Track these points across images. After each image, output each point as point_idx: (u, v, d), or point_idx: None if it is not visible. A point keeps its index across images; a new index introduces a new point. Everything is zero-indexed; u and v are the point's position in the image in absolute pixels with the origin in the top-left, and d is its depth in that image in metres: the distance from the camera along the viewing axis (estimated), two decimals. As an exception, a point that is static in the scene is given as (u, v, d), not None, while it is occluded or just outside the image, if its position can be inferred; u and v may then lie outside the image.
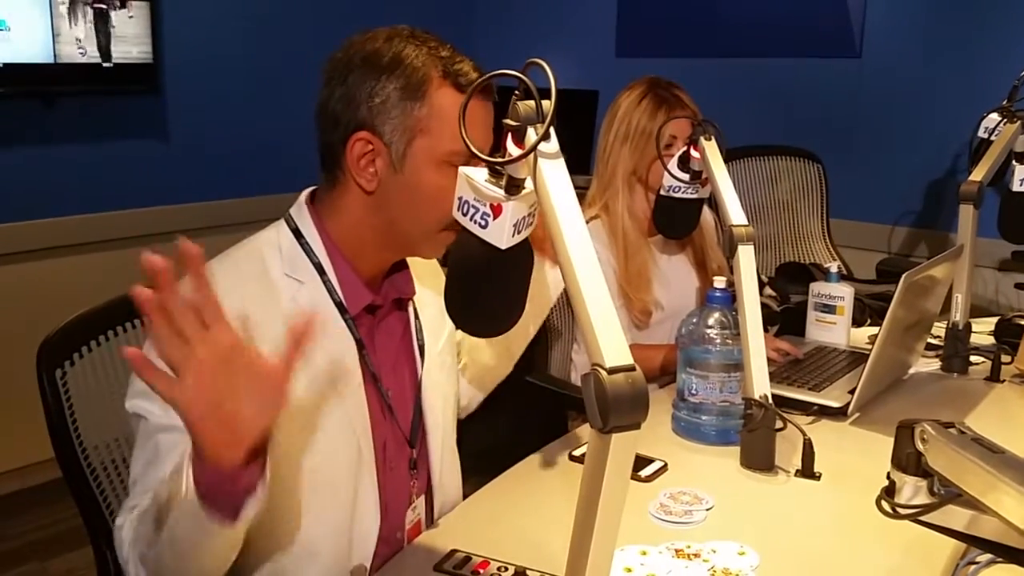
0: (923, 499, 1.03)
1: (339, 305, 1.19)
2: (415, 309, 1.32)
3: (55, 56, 2.99)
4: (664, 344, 2.01)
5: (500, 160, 0.89)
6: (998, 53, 3.11)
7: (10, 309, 3.03)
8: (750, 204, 2.99)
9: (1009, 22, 3.11)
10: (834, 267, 2.10)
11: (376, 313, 1.25)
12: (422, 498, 1.32)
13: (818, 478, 1.45)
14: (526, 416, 2.06)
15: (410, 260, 1.31)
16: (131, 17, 3.14)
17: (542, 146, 0.87)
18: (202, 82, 3.48)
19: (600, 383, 0.77)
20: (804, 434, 1.46)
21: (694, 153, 1.74)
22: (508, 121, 0.89)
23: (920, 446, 0.99)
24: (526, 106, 0.89)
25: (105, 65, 3.12)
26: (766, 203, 3.10)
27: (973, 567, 1.23)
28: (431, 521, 1.34)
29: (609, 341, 0.78)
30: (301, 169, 4.04)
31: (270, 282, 1.16)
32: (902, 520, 1.03)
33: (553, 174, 0.87)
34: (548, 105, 0.88)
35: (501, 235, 0.92)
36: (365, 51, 1.16)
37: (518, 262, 0.96)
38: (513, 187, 0.91)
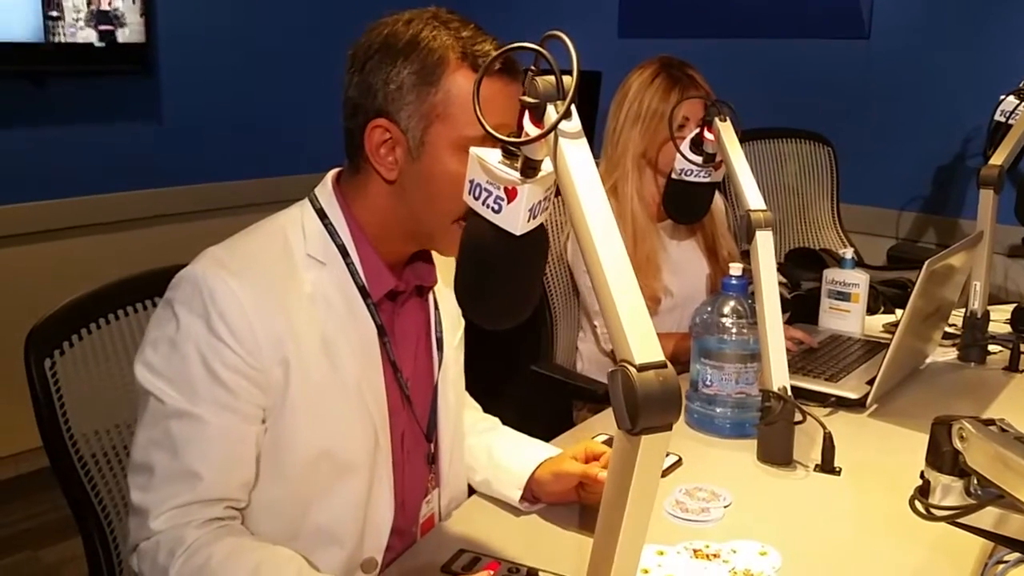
0: (958, 499, 0.98)
1: (361, 289, 1.14)
2: (435, 300, 1.27)
3: (46, 36, 2.92)
4: (674, 332, 1.96)
5: (517, 140, 0.83)
6: (1008, 35, 3.05)
7: (1, 294, 2.96)
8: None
9: (1020, 4, 3.05)
10: (849, 253, 2.04)
11: (397, 300, 1.20)
12: (436, 491, 1.27)
13: (838, 473, 1.40)
14: (531, 406, 2.02)
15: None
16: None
17: (563, 125, 0.81)
18: (197, 62, 3.40)
19: (629, 381, 0.71)
20: (825, 428, 1.40)
21: (708, 135, 1.68)
22: (526, 98, 0.83)
23: (958, 444, 0.94)
24: (545, 82, 0.83)
25: (98, 45, 3.04)
26: (772, 187, 3.04)
27: (1002, 567, 1.18)
28: (440, 517, 1.30)
29: (638, 336, 0.73)
30: (299, 151, 4.01)
31: (292, 262, 1.12)
32: (936, 522, 0.98)
33: (575, 155, 0.81)
34: (569, 81, 0.82)
35: (516, 220, 0.86)
36: (383, 36, 1.10)
37: (533, 249, 0.90)
38: (529, 169, 0.86)
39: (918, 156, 3.31)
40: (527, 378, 2.02)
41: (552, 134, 0.81)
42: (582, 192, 0.79)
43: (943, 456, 0.96)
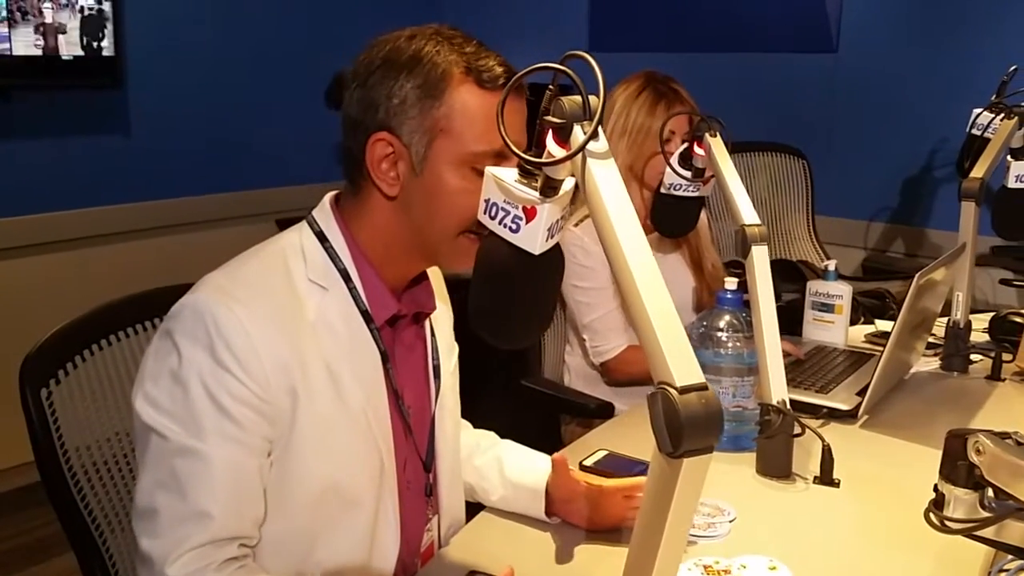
0: (970, 511, 1.00)
1: (364, 314, 1.12)
2: (431, 327, 1.25)
3: (11, 48, 2.86)
4: (662, 346, 1.96)
5: (545, 161, 0.82)
6: (973, 49, 3.12)
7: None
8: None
9: (983, 18, 3.12)
10: (832, 265, 2.06)
11: (396, 326, 1.18)
12: (436, 518, 1.25)
13: (838, 485, 1.41)
14: (520, 420, 2.01)
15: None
16: (92, 7, 3.01)
17: (591, 145, 0.81)
18: (167, 75, 3.36)
19: (671, 403, 0.70)
20: (823, 440, 1.42)
21: (697, 150, 1.69)
22: (551, 118, 0.83)
23: (975, 458, 0.95)
24: (571, 102, 0.82)
25: (64, 58, 2.98)
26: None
27: (1004, 574, 1.20)
28: (440, 544, 1.28)
29: (678, 357, 0.72)
30: (271, 165, 3.97)
31: (293, 287, 1.09)
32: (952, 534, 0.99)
33: (604, 176, 0.81)
34: (596, 101, 0.82)
35: (535, 240, 0.86)
36: (385, 51, 1.09)
37: (550, 268, 0.90)
38: (550, 189, 0.85)
39: (886, 168, 3.37)
40: (515, 393, 2.01)
41: (579, 155, 0.81)
42: (613, 212, 0.79)
43: (958, 469, 0.97)
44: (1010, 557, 1.17)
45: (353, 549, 1.12)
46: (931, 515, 1.01)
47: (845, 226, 3.44)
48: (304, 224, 1.16)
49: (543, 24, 4.09)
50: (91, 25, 3.03)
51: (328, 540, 1.10)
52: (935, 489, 1.02)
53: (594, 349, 2.00)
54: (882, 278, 2.66)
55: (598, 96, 0.81)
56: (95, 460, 1.21)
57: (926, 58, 3.23)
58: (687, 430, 0.70)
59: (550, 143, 0.84)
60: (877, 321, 2.24)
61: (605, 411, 1.86)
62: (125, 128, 3.30)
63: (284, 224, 4.34)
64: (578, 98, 0.82)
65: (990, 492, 0.98)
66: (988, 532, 1.02)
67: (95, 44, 3.05)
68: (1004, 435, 0.95)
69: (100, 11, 3.03)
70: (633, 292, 0.76)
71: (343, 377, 1.09)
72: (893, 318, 2.27)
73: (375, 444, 1.12)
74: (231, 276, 1.09)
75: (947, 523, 0.99)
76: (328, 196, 1.17)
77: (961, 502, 0.99)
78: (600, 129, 0.81)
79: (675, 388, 0.71)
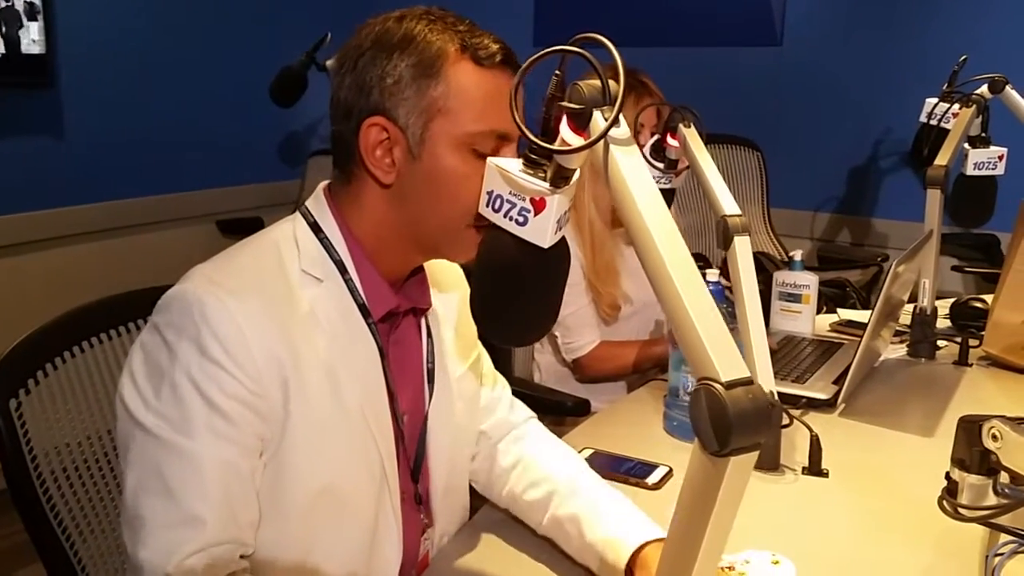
0: (982, 498, 0.99)
1: (361, 308, 1.06)
2: (428, 325, 1.19)
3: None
4: (635, 340, 1.94)
5: (565, 148, 0.78)
6: (914, 40, 3.18)
7: None
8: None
9: (924, 11, 3.18)
10: (798, 255, 2.07)
11: (391, 322, 1.12)
12: (432, 529, 1.19)
13: (826, 475, 1.40)
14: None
15: (429, 270, 1.18)
16: (21, 4, 2.87)
17: (613, 132, 0.77)
18: (100, 74, 3.22)
19: (717, 400, 0.67)
20: (811, 430, 1.41)
21: (671, 141, 1.67)
22: (568, 104, 0.79)
23: (991, 444, 0.95)
24: (590, 87, 0.79)
25: (-9, 56, 2.84)
26: (693, 192, 3.07)
27: (998, 559, 1.20)
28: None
29: (721, 351, 0.69)
30: (209, 165, 3.83)
31: (287, 279, 1.03)
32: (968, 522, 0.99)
33: (629, 163, 0.77)
34: (615, 86, 0.78)
35: (544, 233, 0.82)
36: (375, 33, 1.03)
37: (559, 261, 0.86)
38: (561, 179, 0.82)
39: (832, 158, 3.42)
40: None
41: (600, 142, 0.77)
42: (642, 203, 0.75)
43: (972, 456, 0.97)
44: (1004, 540, 1.17)
45: (352, 558, 1.06)
46: (945, 503, 1.00)
47: (793, 216, 3.47)
48: (297, 215, 1.10)
49: (486, 18, 4.00)
50: (13, 19, 2.88)
51: (325, 548, 1.04)
52: (947, 477, 1.01)
53: (566, 346, 1.97)
54: (840, 267, 2.69)
55: (617, 81, 0.78)
56: (65, 467, 1.14)
57: (868, 50, 3.29)
58: (736, 428, 0.66)
59: (564, 130, 0.80)
60: (840, 310, 2.25)
61: (582, 408, 1.83)
62: (57, 129, 3.15)
63: (225, 226, 4.21)
64: (596, 82, 0.79)
65: (1003, 478, 0.98)
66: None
67: (25, 42, 2.90)
68: (1019, 420, 0.95)
69: (31, 5, 2.89)
70: (669, 286, 0.72)
71: (339, 372, 1.03)
72: (855, 306, 2.31)
73: (374, 445, 1.06)
74: (221, 267, 1.03)
75: (962, 511, 0.98)
76: (321, 185, 1.12)
77: (974, 489, 0.98)
78: (621, 115, 0.78)
79: (720, 384, 0.68)
